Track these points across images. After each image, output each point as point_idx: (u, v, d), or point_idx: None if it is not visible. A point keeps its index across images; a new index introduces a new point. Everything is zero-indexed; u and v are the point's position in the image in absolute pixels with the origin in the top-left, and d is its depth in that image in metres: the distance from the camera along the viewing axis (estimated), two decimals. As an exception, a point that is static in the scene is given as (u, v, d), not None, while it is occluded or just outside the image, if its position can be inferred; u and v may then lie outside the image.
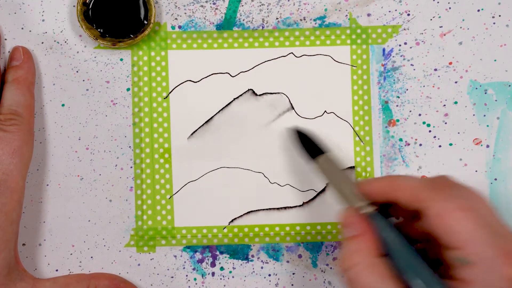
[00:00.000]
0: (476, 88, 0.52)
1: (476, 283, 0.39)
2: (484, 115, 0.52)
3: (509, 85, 0.52)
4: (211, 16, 0.52)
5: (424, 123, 0.52)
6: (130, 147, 0.51)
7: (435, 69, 0.52)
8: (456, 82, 0.52)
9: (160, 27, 0.51)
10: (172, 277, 0.51)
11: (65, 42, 0.51)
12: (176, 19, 0.52)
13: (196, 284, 0.51)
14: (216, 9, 0.52)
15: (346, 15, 0.52)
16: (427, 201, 0.41)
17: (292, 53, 0.52)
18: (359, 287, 0.42)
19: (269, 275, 0.51)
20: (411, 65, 0.52)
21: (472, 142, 0.52)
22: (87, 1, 0.50)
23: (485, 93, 0.52)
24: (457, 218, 0.40)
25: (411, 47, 0.52)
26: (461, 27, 0.52)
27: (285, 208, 0.52)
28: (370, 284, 0.42)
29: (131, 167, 0.51)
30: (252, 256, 0.51)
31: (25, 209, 0.51)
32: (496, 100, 0.52)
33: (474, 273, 0.40)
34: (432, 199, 0.41)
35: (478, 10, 0.52)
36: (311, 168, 0.50)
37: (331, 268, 0.52)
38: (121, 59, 0.51)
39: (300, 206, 0.52)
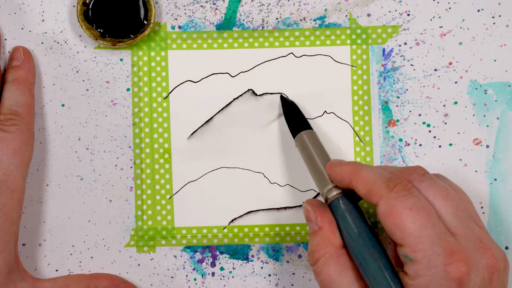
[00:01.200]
0: (476, 88, 0.52)
1: (420, 279, 0.40)
2: (484, 115, 0.52)
3: (509, 85, 0.52)
4: (211, 16, 0.52)
5: (424, 123, 0.52)
6: (130, 147, 0.51)
7: (435, 69, 0.52)
8: (456, 82, 0.52)
9: (160, 27, 0.51)
10: (172, 277, 0.51)
11: (65, 42, 0.51)
12: (176, 19, 0.52)
13: (196, 284, 0.51)
14: (216, 9, 0.52)
15: (346, 15, 0.52)
16: (378, 197, 0.42)
17: (292, 53, 0.52)
18: (322, 278, 0.43)
19: (269, 275, 0.51)
20: (411, 65, 0.52)
21: (472, 142, 0.52)
22: (87, 1, 0.50)
23: (485, 93, 0.52)
24: (405, 217, 0.40)
25: (411, 47, 0.52)
26: (461, 27, 0.52)
27: (285, 208, 0.52)
28: (331, 275, 0.43)
29: (131, 167, 0.51)
30: (252, 256, 0.51)
31: (25, 209, 0.51)
32: (496, 100, 0.52)
33: (418, 269, 0.40)
34: (383, 196, 0.41)
35: (478, 10, 0.52)
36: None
37: (331, 268, 0.52)
38: (121, 59, 0.51)
39: (300, 206, 0.52)
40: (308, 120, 0.50)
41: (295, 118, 0.49)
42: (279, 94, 0.52)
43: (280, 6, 0.52)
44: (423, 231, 0.40)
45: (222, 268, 0.51)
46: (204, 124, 0.52)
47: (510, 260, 0.51)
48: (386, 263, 0.42)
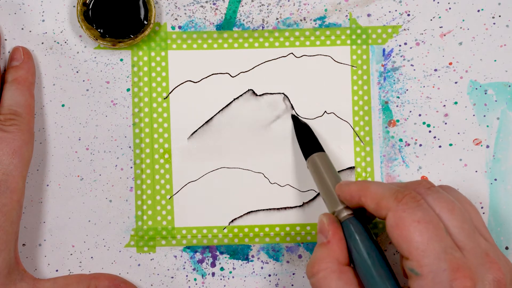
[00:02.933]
0: (476, 89, 0.52)
1: None
2: (484, 116, 0.52)
3: (509, 86, 0.52)
4: (211, 16, 0.52)
5: (424, 123, 0.52)
6: (130, 147, 0.51)
7: (435, 70, 0.52)
8: (456, 83, 0.52)
9: (160, 27, 0.51)
10: (172, 277, 0.51)
11: (65, 42, 0.51)
12: (176, 19, 0.52)
13: (196, 284, 0.51)
14: (216, 9, 0.52)
15: (346, 16, 0.52)
16: (387, 210, 0.42)
17: (292, 53, 0.52)
18: None
19: (269, 275, 0.51)
20: (411, 65, 0.52)
21: (472, 143, 0.52)
22: (87, 1, 0.50)
23: (485, 93, 0.52)
24: (412, 229, 0.40)
25: (411, 48, 0.52)
26: (461, 27, 0.52)
27: (285, 208, 0.52)
28: None
29: (131, 168, 0.51)
30: (252, 256, 0.51)
31: (25, 209, 0.51)
32: (496, 101, 0.52)
33: (423, 285, 0.40)
34: (391, 208, 0.41)
35: (478, 11, 0.52)
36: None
37: (331, 268, 0.52)
38: (121, 60, 0.51)
39: (300, 206, 0.52)
40: (318, 141, 0.50)
41: (307, 140, 0.50)
42: (281, 95, 0.52)
43: (280, 6, 0.52)
44: (430, 245, 0.40)
45: (222, 268, 0.51)
46: (204, 124, 0.52)
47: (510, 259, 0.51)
48: (394, 284, 0.42)
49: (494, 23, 0.52)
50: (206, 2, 0.52)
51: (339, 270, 0.43)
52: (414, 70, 0.52)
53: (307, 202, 0.52)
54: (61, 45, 0.51)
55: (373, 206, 0.43)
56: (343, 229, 0.45)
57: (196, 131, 0.52)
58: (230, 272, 0.51)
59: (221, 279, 0.51)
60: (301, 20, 0.52)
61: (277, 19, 0.52)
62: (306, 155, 0.49)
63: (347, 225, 0.45)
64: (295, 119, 0.51)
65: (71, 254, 0.51)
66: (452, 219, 0.41)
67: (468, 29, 0.52)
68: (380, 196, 0.42)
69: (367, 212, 0.45)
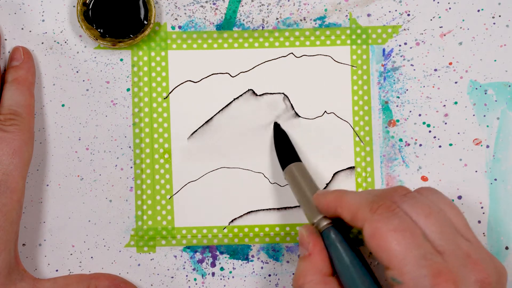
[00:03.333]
0: (476, 89, 0.52)
1: None
2: (484, 115, 0.52)
3: (509, 85, 0.52)
4: (211, 16, 0.52)
5: (424, 123, 0.52)
6: (130, 147, 0.51)
7: (435, 69, 0.52)
8: (456, 83, 0.52)
9: (160, 27, 0.51)
10: (172, 277, 0.51)
11: (65, 42, 0.51)
12: (176, 19, 0.52)
13: (196, 284, 0.51)
14: (216, 9, 0.52)
15: (346, 15, 0.52)
16: (362, 221, 0.42)
17: (292, 53, 0.52)
18: None
19: (269, 275, 0.51)
20: (411, 65, 0.52)
21: (472, 142, 0.52)
22: (87, 1, 0.50)
23: (485, 93, 0.52)
24: (389, 239, 0.40)
25: (411, 47, 0.52)
26: (461, 27, 0.52)
27: (285, 208, 0.52)
28: None
29: (131, 167, 0.51)
30: (252, 256, 0.51)
31: (25, 209, 0.51)
32: (496, 101, 0.52)
33: None
34: (367, 219, 0.41)
35: (478, 10, 0.52)
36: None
37: (331, 268, 0.52)
38: (121, 60, 0.51)
39: (300, 206, 0.51)
40: (296, 151, 0.50)
41: (285, 150, 0.50)
42: (281, 95, 0.52)
43: (280, 6, 0.52)
44: (408, 253, 0.40)
45: (222, 268, 0.51)
46: (204, 124, 0.52)
47: (510, 261, 0.51)
48: None
49: (494, 23, 0.52)
50: (206, 2, 0.52)
51: (323, 282, 0.43)
52: (414, 70, 0.52)
53: (307, 202, 0.52)
54: (61, 45, 0.51)
55: (349, 217, 0.43)
56: (324, 239, 0.45)
57: (196, 131, 0.52)
58: (230, 272, 0.51)
59: (221, 279, 0.51)
60: (301, 20, 0.52)
61: (277, 19, 0.52)
62: (283, 165, 0.49)
63: (327, 234, 0.44)
64: (276, 127, 0.51)
65: (71, 254, 0.51)
66: (430, 224, 0.41)
67: (468, 29, 0.52)
68: (356, 207, 0.42)
69: None
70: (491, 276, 0.40)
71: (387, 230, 0.40)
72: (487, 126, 0.52)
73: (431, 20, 0.52)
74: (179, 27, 0.52)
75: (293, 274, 0.51)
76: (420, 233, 0.41)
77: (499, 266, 0.42)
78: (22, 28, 0.51)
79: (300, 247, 0.45)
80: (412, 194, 0.43)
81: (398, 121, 0.52)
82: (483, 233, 0.51)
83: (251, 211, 0.51)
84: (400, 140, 0.52)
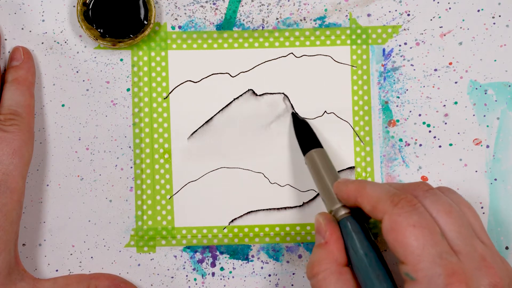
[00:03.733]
0: (476, 89, 0.52)
1: None
2: (484, 115, 0.52)
3: (509, 85, 0.52)
4: (211, 16, 0.52)
5: (424, 123, 0.52)
6: (130, 147, 0.51)
7: (435, 69, 0.52)
8: (456, 83, 0.52)
9: (160, 27, 0.51)
10: (172, 277, 0.51)
11: (65, 42, 0.51)
12: (176, 19, 0.52)
13: (196, 284, 0.51)
14: (216, 9, 0.52)
15: (346, 15, 0.52)
16: (382, 213, 0.41)
17: (292, 53, 0.52)
18: None
19: (269, 275, 0.51)
20: (411, 65, 0.52)
21: (472, 142, 0.52)
22: (87, 1, 0.50)
23: (485, 93, 0.52)
24: (408, 234, 0.40)
25: (411, 47, 0.52)
26: (461, 27, 0.52)
27: (285, 208, 0.52)
28: None
29: (131, 167, 0.51)
30: (252, 256, 0.51)
31: (25, 209, 0.51)
32: (496, 101, 0.52)
33: None
34: (387, 212, 0.41)
35: (478, 10, 0.52)
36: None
37: (331, 268, 0.52)
38: (121, 60, 0.51)
39: (300, 206, 0.52)
40: (316, 137, 0.50)
41: (306, 136, 0.49)
42: (281, 95, 0.52)
43: (280, 6, 0.52)
44: (425, 250, 0.40)
45: (222, 268, 0.51)
46: (204, 124, 0.52)
47: (510, 262, 0.51)
48: (391, 285, 0.42)
49: (494, 23, 0.52)
50: (206, 2, 0.52)
51: (338, 271, 0.43)
52: (414, 70, 0.52)
53: (307, 202, 0.52)
54: (61, 45, 0.51)
55: (369, 208, 0.43)
56: (341, 228, 0.44)
57: (196, 131, 0.52)
58: (230, 272, 0.51)
59: (221, 279, 0.51)
60: (301, 20, 0.52)
61: (277, 19, 0.52)
62: (304, 151, 0.49)
63: (345, 224, 0.44)
64: (294, 116, 0.51)
65: (71, 254, 0.51)
66: (449, 222, 0.41)
67: (468, 29, 0.52)
68: (377, 198, 0.42)
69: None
70: (504, 280, 0.40)
71: (407, 225, 0.40)
72: (487, 126, 0.52)
73: (431, 20, 0.52)
74: (179, 27, 0.52)
75: (293, 274, 0.51)
76: (439, 231, 0.40)
77: (511, 270, 0.42)
78: (22, 28, 0.51)
79: (317, 235, 0.45)
80: (434, 191, 0.43)
81: (398, 121, 0.52)
82: (483, 233, 0.51)
83: (251, 211, 0.51)
84: (400, 140, 0.52)
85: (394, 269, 0.47)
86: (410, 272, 0.40)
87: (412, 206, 0.41)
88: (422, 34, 0.52)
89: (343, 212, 0.45)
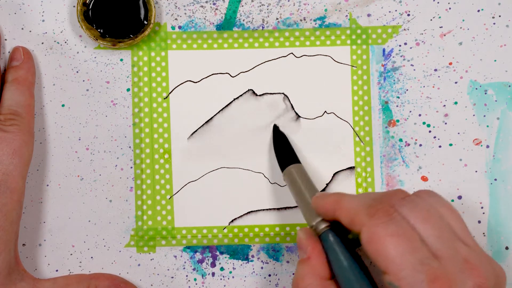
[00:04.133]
0: (476, 89, 0.52)
1: None
2: (484, 116, 0.52)
3: (509, 86, 0.52)
4: (211, 16, 0.52)
5: (424, 123, 0.52)
6: (130, 147, 0.51)
7: (435, 70, 0.52)
8: (456, 83, 0.52)
9: (160, 27, 0.51)
10: (172, 277, 0.51)
11: (65, 42, 0.51)
12: (176, 19, 0.52)
13: (196, 284, 0.51)
14: (216, 9, 0.52)
15: (346, 16, 0.52)
16: (360, 225, 0.41)
17: (292, 53, 0.52)
18: None
19: (269, 275, 0.51)
20: (411, 65, 0.52)
21: (472, 143, 0.52)
22: (87, 2, 0.50)
23: (485, 93, 0.52)
24: (386, 244, 0.40)
25: (411, 48, 0.52)
26: (461, 28, 0.52)
27: (285, 208, 0.52)
28: None
29: (131, 168, 0.51)
30: (252, 256, 0.51)
31: (25, 209, 0.51)
32: (496, 101, 0.52)
33: None
34: (365, 224, 0.41)
35: (478, 11, 0.52)
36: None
37: (331, 268, 0.52)
38: (121, 60, 0.51)
39: (298, 208, 0.51)
40: (295, 153, 0.50)
41: (284, 151, 0.50)
42: (281, 95, 0.52)
43: (280, 6, 0.52)
44: (405, 258, 0.39)
45: (222, 268, 0.51)
46: (204, 124, 0.52)
47: (510, 262, 0.51)
48: None
49: (494, 23, 0.52)
50: (206, 2, 0.52)
51: (322, 285, 0.43)
52: (414, 70, 0.52)
53: (307, 202, 0.51)
54: (61, 45, 0.51)
55: (347, 221, 0.43)
56: (322, 242, 0.44)
57: (196, 131, 0.52)
58: (230, 272, 0.51)
59: (221, 279, 0.51)
60: (301, 20, 0.52)
61: (277, 19, 0.52)
62: (283, 167, 0.49)
63: (325, 238, 0.44)
64: (275, 129, 0.51)
65: (71, 254, 0.51)
66: (427, 228, 0.41)
67: (468, 29, 0.52)
68: (354, 211, 0.42)
69: None
70: (489, 280, 0.40)
71: (384, 235, 0.40)
72: (487, 126, 0.52)
73: (431, 20, 0.52)
74: (179, 27, 0.52)
75: (293, 274, 0.51)
76: (418, 237, 0.40)
77: (498, 270, 0.41)
78: (22, 28, 0.51)
79: (299, 251, 0.45)
80: (410, 198, 0.43)
81: (398, 121, 0.52)
82: (483, 233, 0.51)
83: (251, 211, 0.51)
84: (400, 140, 0.52)
85: (380, 280, 0.47)
86: (393, 281, 0.40)
87: (389, 216, 0.41)
88: (422, 34, 0.52)
89: (323, 226, 0.45)
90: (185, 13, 0.52)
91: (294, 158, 0.49)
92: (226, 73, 0.52)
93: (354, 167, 0.52)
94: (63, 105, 0.51)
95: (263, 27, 0.52)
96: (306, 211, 0.46)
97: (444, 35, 0.52)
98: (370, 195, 0.44)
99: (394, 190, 0.44)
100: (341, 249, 0.44)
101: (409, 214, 0.41)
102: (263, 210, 0.51)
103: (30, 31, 0.51)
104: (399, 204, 0.42)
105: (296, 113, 0.52)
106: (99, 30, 0.50)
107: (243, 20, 0.52)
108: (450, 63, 0.52)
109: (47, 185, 0.51)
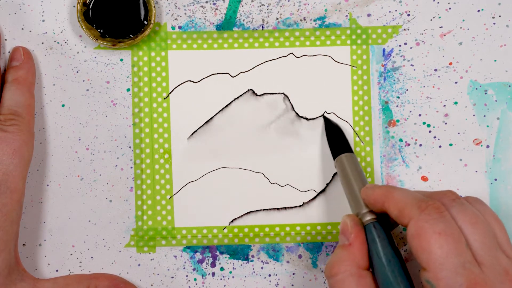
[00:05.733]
0: (476, 89, 0.52)
1: None
2: (484, 116, 0.52)
3: (509, 86, 0.52)
4: (211, 16, 0.52)
5: (424, 123, 0.52)
6: (130, 147, 0.51)
7: (435, 70, 0.52)
8: (456, 83, 0.52)
9: (160, 27, 0.51)
10: (172, 277, 0.51)
11: (65, 42, 0.51)
12: (176, 19, 0.52)
13: (196, 284, 0.51)
14: (216, 9, 0.52)
15: (346, 16, 0.52)
16: (409, 218, 0.41)
17: (292, 53, 0.52)
18: None
19: (269, 275, 0.51)
20: (411, 65, 0.52)
21: (472, 143, 0.52)
22: (87, 1, 0.50)
23: (485, 93, 0.52)
24: (432, 241, 0.40)
25: (411, 48, 0.52)
26: (461, 27, 0.52)
27: (285, 208, 0.52)
28: None
29: (131, 168, 0.51)
30: (252, 256, 0.51)
31: (25, 209, 0.51)
32: (496, 101, 0.52)
33: None
34: (413, 217, 0.41)
35: (478, 11, 0.52)
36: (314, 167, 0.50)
37: (331, 268, 0.52)
38: (121, 60, 0.51)
39: (300, 206, 0.52)
40: (348, 143, 0.50)
41: (337, 140, 0.50)
42: (281, 95, 0.52)
43: (280, 6, 0.52)
44: (449, 259, 0.39)
45: (222, 268, 0.51)
46: (204, 124, 0.52)
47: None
48: None
49: (494, 23, 0.52)
50: (206, 2, 0.52)
51: (358, 274, 0.43)
52: (414, 70, 0.52)
53: (307, 202, 0.52)
54: (61, 45, 0.51)
55: (396, 213, 0.42)
56: (366, 233, 0.45)
57: (196, 131, 0.52)
58: (230, 272, 0.51)
59: (221, 279, 0.51)
60: (301, 20, 0.52)
61: (277, 19, 0.52)
62: (335, 155, 0.49)
63: (370, 229, 0.44)
64: (327, 120, 0.51)
65: (71, 254, 0.51)
66: (474, 233, 0.41)
67: (468, 29, 0.52)
68: (404, 203, 0.42)
69: (391, 218, 0.45)
70: None
71: (432, 232, 0.40)
72: (487, 126, 0.52)
73: (431, 20, 0.52)
74: (179, 27, 0.52)
75: (293, 274, 0.51)
76: (464, 240, 0.40)
77: None
78: (22, 28, 0.51)
79: (341, 236, 0.45)
80: (461, 201, 0.43)
81: (398, 121, 0.52)
82: (483, 233, 0.51)
83: (251, 211, 0.51)
84: (400, 140, 0.52)
85: (416, 278, 0.47)
86: (432, 280, 0.40)
87: (439, 213, 0.41)
88: (422, 34, 0.52)
89: (369, 217, 0.45)
90: (185, 13, 0.52)
91: (347, 147, 0.49)
92: (226, 73, 0.52)
93: (354, 167, 0.52)
94: (63, 105, 0.51)
95: (263, 27, 0.52)
96: (353, 201, 0.46)
97: (444, 35, 0.52)
98: (421, 191, 0.44)
99: (445, 191, 0.44)
100: (383, 243, 0.44)
101: (458, 216, 0.41)
102: (263, 210, 0.51)
103: (30, 31, 0.51)
104: (450, 204, 0.42)
105: (296, 113, 0.52)
106: (99, 30, 0.50)
107: (243, 20, 0.52)
108: (450, 63, 0.52)
109: (47, 185, 0.51)
